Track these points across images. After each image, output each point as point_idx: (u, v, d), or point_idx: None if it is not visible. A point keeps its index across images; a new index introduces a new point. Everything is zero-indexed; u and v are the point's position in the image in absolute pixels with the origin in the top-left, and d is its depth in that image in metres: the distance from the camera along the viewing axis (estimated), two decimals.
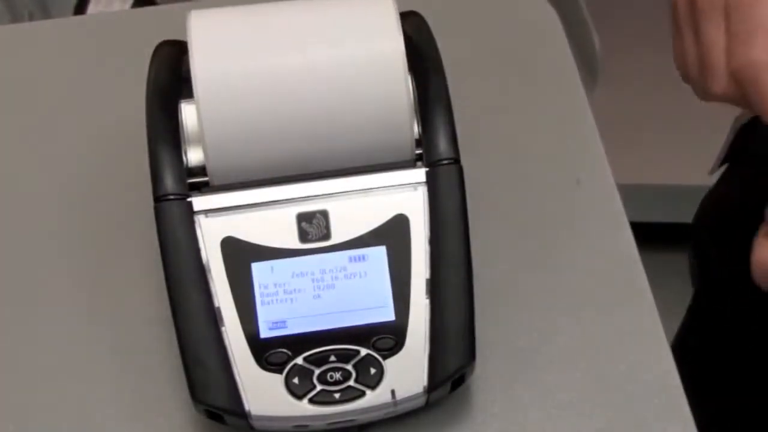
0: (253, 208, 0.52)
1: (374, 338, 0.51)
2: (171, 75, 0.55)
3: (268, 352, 0.51)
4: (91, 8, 1.22)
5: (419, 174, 0.53)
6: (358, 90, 0.52)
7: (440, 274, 0.52)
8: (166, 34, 0.57)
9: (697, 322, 0.88)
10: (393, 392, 0.51)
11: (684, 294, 0.90)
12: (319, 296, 0.52)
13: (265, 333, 0.51)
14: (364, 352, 0.51)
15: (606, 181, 0.64)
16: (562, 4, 0.77)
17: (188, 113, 0.53)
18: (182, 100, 0.54)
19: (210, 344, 0.51)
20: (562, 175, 0.64)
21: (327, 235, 0.52)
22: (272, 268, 0.52)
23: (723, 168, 0.83)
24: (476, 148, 0.58)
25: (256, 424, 0.51)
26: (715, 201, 0.84)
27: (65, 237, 0.63)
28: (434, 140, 0.53)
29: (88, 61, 0.73)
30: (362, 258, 0.52)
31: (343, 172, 0.53)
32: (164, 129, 0.53)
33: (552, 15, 0.73)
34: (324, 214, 0.52)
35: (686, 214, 0.91)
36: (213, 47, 0.52)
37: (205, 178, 0.53)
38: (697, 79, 0.54)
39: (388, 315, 0.52)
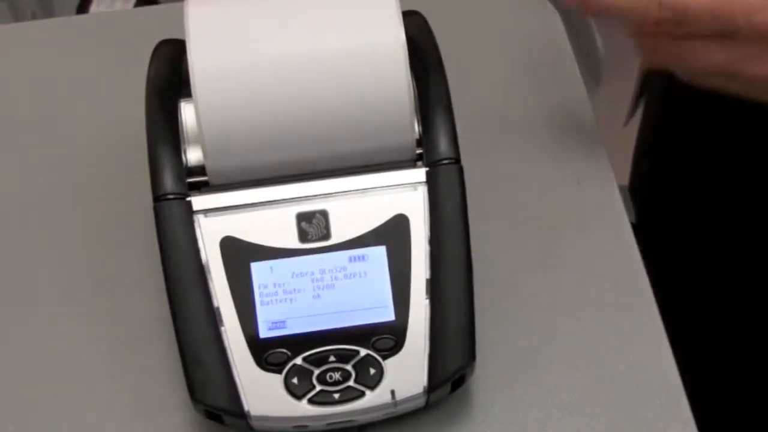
0: (253, 208, 0.52)
1: (374, 338, 0.51)
2: (171, 74, 0.55)
3: (268, 352, 0.51)
4: (94, 8, 1.23)
5: (419, 174, 0.53)
6: (359, 82, 0.52)
7: (440, 274, 0.52)
8: (168, 33, 0.57)
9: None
10: (393, 393, 0.51)
11: None
12: (318, 296, 0.52)
13: (264, 333, 0.51)
14: (363, 352, 0.51)
15: (607, 182, 0.64)
16: (566, 9, 0.76)
17: (188, 112, 0.53)
18: (182, 99, 0.54)
19: (209, 344, 0.51)
20: (563, 175, 0.64)
21: (327, 235, 0.52)
22: (272, 268, 0.52)
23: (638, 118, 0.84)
24: (477, 148, 0.58)
25: (255, 424, 0.51)
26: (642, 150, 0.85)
27: (64, 236, 0.63)
28: (435, 140, 0.53)
29: (90, 61, 0.73)
30: (362, 258, 0.52)
31: (343, 171, 0.53)
32: (163, 128, 0.53)
33: (553, 15, 0.73)
34: (324, 213, 0.52)
35: None
36: (210, 41, 0.52)
37: (205, 178, 0.53)
38: None
39: (388, 315, 0.51)
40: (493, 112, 0.68)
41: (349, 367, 0.51)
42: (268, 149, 0.53)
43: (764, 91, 0.51)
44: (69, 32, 0.77)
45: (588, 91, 0.69)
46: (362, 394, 0.51)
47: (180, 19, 0.53)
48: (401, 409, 0.52)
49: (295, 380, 0.50)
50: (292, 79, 0.52)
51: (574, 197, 0.63)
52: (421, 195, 0.53)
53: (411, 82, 0.53)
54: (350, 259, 0.52)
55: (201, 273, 0.51)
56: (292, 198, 0.53)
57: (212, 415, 0.51)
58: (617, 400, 0.55)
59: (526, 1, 0.75)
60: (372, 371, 0.51)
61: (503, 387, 0.56)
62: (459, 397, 0.55)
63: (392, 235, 0.52)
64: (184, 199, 0.52)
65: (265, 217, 0.52)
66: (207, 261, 0.51)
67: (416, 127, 0.54)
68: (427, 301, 0.52)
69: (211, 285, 0.51)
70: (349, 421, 0.51)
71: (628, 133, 0.87)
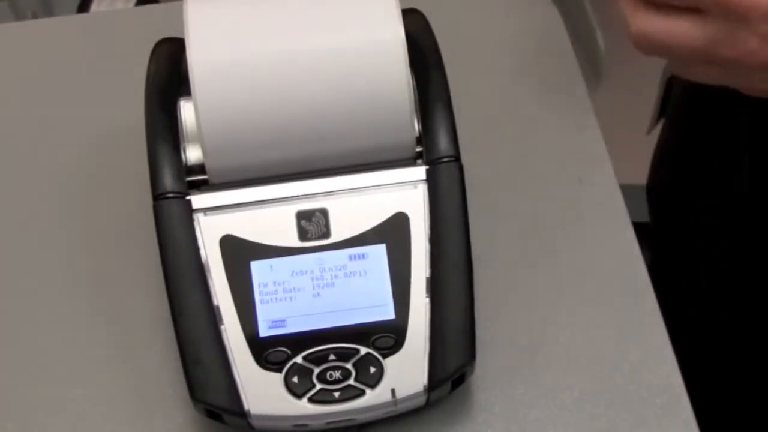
0: (253, 206, 0.52)
1: (374, 337, 0.51)
2: (170, 72, 0.54)
3: (268, 351, 0.51)
4: (94, 7, 1.22)
5: (419, 172, 0.53)
6: (359, 80, 0.52)
7: (440, 272, 0.52)
8: (168, 32, 0.57)
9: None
10: (393, 391, 0.51)
11: None
12: (318, 295, 0.52)
13: (264, 332, 0.51)
14: (363, 350, 0.51)
15: (609, 181, 0.64)
16: (567, 7, 0.76)
17: (187, 111, 0.53)
18: (181, 98, 0.54)
19: (209, 343, 0.51)
20: (564, 174, 0.64)
21: (327, 234, 0.52)
22: (271, 266, 0.52)
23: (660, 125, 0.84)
24: (477, 146, 0.58)
25: (255, 423, 0.51)
26: (660, 157, 0.85)
27: (64, 235, 0.63)
28: (434, 138, 0.53)
29: (91, 60, 0.73)
30: (362, 256, 0.52)
31: (343, 170, 0.53)
32: (163, 127, 0.53)
33: (554, 14, 0.73)
34: (323, 212, 0.52)
35: None
36: (210, 39, 0.52)
37: (204, 176, 0.53)
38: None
39: (388, 314, 0.51)
40: (493, 109, 0.67)
41: (349, 365, 0.51)
42: (267, 148, 0.52)
43: (738, 78, 0.51)
44: (69, 31, 0.77)
45: (588, 88, 0.69)
46: (362, 392, 0.51)
47: (181, 18, 0.53)
48: (401, 407, 0.52)
49: (295, 379, 0.50)
50: (291, 77, 0.52)
51: (575, 195, 0.63)
52: (421, 193, 0.53)
53: (411, 80, 0.53)
54: (350, 258, 0.52)
55: (201, 272, 0.51)
56: (292, 196, 0.53)
57: (212, 414, 0.51)
58: (618, 399, 0.55)
59: (528, 1, 0.74)
60: (372, 370, 0.51)
61: (503, 386, 0.56)
62: (459, 395, 0.55)
63: (392, 233, 0.52)
64: (183, 197, 0.52)
65: (265, 215, 0.52)
66: (207, 260, 0.51)
67: (416, 125, 0.54)
68: (427, 300, 0.51)
69: (210, 284, 0.51)
70: (349, 419, 0.51)
71: (628, 131, 0.87)
